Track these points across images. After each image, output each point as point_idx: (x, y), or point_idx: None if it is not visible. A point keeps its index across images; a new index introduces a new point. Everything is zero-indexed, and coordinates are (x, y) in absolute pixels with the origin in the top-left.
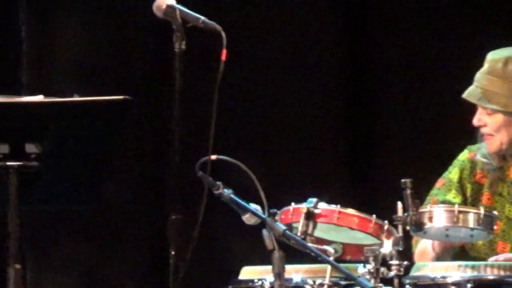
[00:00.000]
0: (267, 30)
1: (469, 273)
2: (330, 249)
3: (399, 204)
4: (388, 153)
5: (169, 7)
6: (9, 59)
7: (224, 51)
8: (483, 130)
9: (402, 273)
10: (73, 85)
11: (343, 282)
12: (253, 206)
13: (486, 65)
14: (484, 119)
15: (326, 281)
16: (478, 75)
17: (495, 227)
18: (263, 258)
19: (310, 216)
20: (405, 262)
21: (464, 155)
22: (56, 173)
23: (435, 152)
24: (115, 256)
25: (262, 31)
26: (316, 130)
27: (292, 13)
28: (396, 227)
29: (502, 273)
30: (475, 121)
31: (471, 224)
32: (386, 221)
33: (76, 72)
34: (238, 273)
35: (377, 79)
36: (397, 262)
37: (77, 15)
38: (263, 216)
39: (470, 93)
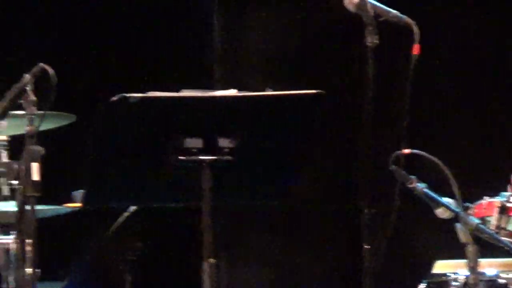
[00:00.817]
0: (457, 24)
1: None
2: None
3: None
4: None
5: (361, 0)
6: (202, 54)
7: (416, 46)
8: None
9: None
10: (265, 80)
11: None
12: (446, 200)
13: None
14: None
15: None
16: None
17: None
18: (456, 252)
19: (504, 210)
20: None
21: None
22: (248, 167)
23: None
24: (307, 251)
25: (452, 25)
26: (507, 122)
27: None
28: None
29: None
30: None
31: None
32: None
33: (268, 67)
34: (431, 267)
35: None
36: None
37: (268, 10)
38: (457, 210)
39: None
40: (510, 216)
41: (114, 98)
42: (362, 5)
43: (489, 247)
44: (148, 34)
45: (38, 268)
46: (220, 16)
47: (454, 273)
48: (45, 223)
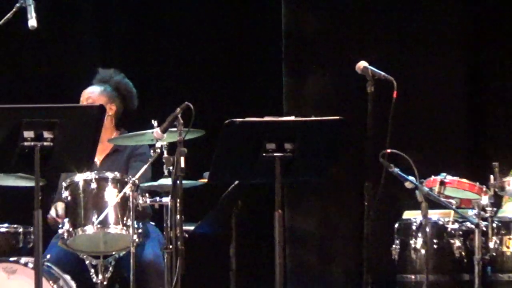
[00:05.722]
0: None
1: None
2: (453, 201)
3: (491, 176)
4: (497, 142)
5: (364, 68)
6: (273, 92)
7: (395, 92)
8: None
9: (493, 215)
10: (318, 112)
11: (460, 219)
12: (411, 178)
13: None
14: None
15: (451, 219)
16: None
17: None
18: (416, 206)
19: (442, 183)
20: (494, 209)
21: None
22: (300, 160)
23: None
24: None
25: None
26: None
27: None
28: (489, 188)
29: None
30: None
31: None
32: (484, 186)
33: (321, 104)
34: (402, 214)
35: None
36: (490, 208)
37: (324, 69)
38: (416, 183)
39: None
40: (446, 186)
41: (226, 122)
42: (364, 70)
43: (434, 204)
44: (232, 77)
45: (184, 214)
46: (287, 74)
47: (414, 218)
48: (187, 191)
